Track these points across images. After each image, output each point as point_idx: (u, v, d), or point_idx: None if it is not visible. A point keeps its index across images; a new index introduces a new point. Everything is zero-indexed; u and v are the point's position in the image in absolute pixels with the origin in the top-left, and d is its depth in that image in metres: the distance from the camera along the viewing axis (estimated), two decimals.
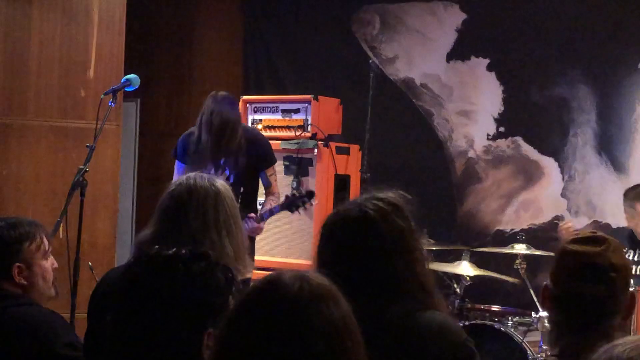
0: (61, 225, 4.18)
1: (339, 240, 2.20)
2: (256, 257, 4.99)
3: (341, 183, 5.56)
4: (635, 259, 5.06)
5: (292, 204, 4.71)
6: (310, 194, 4.74)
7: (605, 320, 2.17)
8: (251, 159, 4.72)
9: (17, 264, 2.71)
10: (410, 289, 2.15)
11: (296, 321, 1.47)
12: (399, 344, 2.08)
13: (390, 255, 2.15)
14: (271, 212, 4.72)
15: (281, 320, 1.48)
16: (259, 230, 4.65)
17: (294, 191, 4.84)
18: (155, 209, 2.62)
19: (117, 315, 1.85)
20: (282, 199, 4.76)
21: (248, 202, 4.63)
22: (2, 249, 2.72)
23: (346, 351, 1.50)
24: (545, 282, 2.29)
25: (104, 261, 5.63)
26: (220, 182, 2.64)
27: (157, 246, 1.97)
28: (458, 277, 4.91)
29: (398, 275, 2.15)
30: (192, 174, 2.67)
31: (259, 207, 4.89)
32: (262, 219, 4.66)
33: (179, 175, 4.52)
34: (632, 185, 5.11)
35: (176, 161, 4.87)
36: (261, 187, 4.91)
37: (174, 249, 1.90)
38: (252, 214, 4.60)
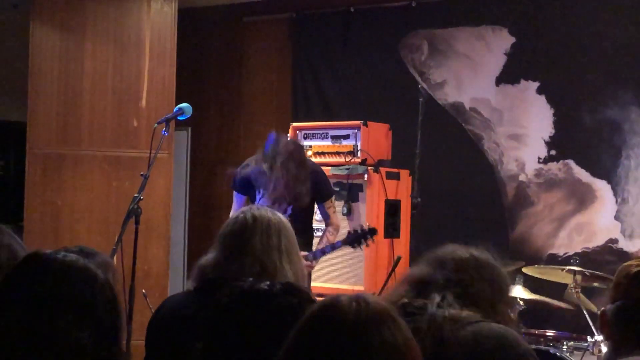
0: (116, 253, 4.23)
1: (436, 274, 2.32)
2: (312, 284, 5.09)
3: (392, 208, 5.56)
4: None
5: (355, 240, 4.83)
6: (373, 231, 4.84)
7: None
8: (311, 194, 4.82)
9: None
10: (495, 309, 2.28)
11: (356, 343, 1.47)
12: (468, 347, 2.14)
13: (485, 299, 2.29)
14: (333, 247, 4.85)
15: (341, 343, 1.48)
16: (309, 269, 4.75)
17: (358, 228, 4.93)
18: (218, 235, 2.66)
19: (210, 343, 1.87)
20: (342, 233, 4.88)
21: (302, 233, 4.70)
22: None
23: None
24: (603, 308, 2.29)
25: (158, 289, 5.69)
26: (281, 215, 2.72)
27: (251, 279, 1.98)
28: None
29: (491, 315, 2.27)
30: (253, 205, 2.75)
31: (315, 237, 5.00)
32: (315, 257, 4.81)
33: (239, 206, 4.66)
34: None
35: (235, 193, 5.00)
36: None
37: (268, 283, 1.93)
38: (304, 252, 4.66)
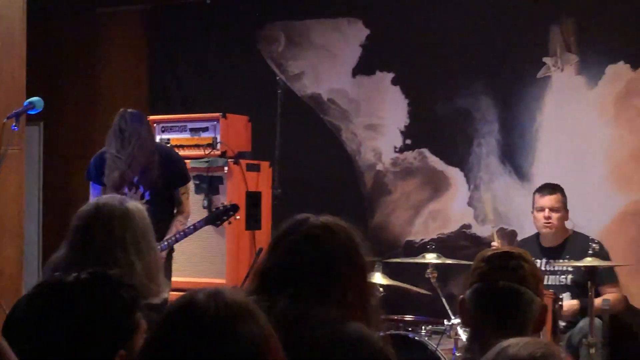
0: None
1: (286, 251, 2.22)
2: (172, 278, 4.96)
3: (253, 200, 5.57)
4: (543, 267, 5.21)
5: (217, 217, 4.73)
6: (235, 207, 4.77)
7: (520, 315, 2.23)
8: (165, 176, 4.68)
9: None
10: (348, 300, 2.18)
11: (215, 340, 1.47)
12: (321, 353, 2.09)
13: (337, 267, 2.18)
14: (193, 229, 4.69)
15: (200, 341, 1.47)
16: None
17: (220, 205, 4.84)
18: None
19: (30, 345, 1.82)
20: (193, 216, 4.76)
21: (161, 220, 4.58)
22: None
23: None
24: (461, 296, 2.35)
25: (12, 289, 5.49)
26: (132, 203, 2.63)
27: (57, 273, 1.95)
28: None
29: (340, 285, 2.18)
30: (104, 196, 2.67)
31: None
32: (161, 249, 4.45)
33: (95, 197, 4.47)
34: None
35: (91, 183, 4.80)
36: None
37: (75, 275, 1.90)
38: None
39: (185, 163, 4.96)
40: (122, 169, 4.53)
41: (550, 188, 5.25)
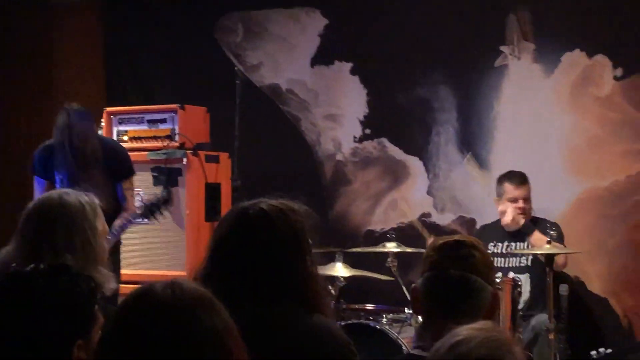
0: None
1: (234, 237, 2.20)
2: (129, 270, 4.92)
3: (212, 191, 5.54)
4: (504, 251, 5.26)
5: (149, 211, 4.66)
6: (166, 200, 4.69)
7: (471, 303, 2.24)
8: (109, 169, 4.63)
9: None
10: (301, 290, 2.18)
11: (174, 330, 1.45)
12: (285, 346, 2.10)
13: (284, 254, 2.18)
14: (128, 223, 4.64)
15: (158, 332, 1.45)
16: None
17: (152, 199, 4.77)
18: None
19: None
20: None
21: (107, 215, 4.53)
22: None
23: (229, 352, 1.48)
24: (414, 284, 2.36)
25: None
26: (77, 195, 2.65)
27: (14, 264, 1.96)
28: (332, 279, 4.96)
29: (290, 274, 2.18)
30: (53, 191, 2.68)
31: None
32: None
33: (40, 192, 4.42)
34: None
35: (35, 178, 4.74)
36: None
37: (33, 265, 1.90)
38: None
39: (129, 156, 4.89)
40: (68, 164, 4.48)
41: (521, 178, 5.29)
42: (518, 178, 5.29)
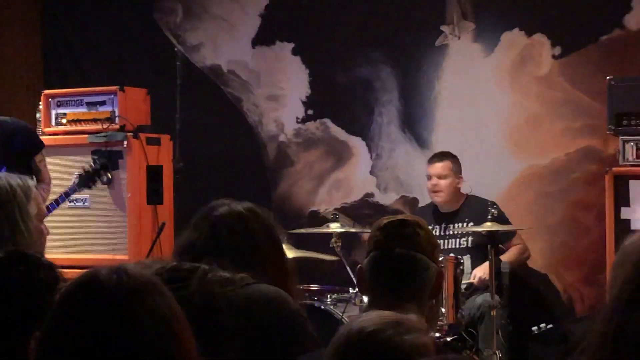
0: None
1: (213, 225, 2.37)
2: (71, 255, 4.88)
3: (154, 174, 5.48)
4: (440, 233, 5.29)
5: (88, 179, 4.61)
6: (105, 165, 4.66)
7: (416, 281, 2.26)
8: (18, 148, 4.55)
9: None
10: (269, 274, 2.33)
11: (120, 316, 1.44)
12: (242, 309, 2.19)
13: (259, 243, 2.38)
14: (65, 196, 4.59)
15: (104, 318, 1.43)
16: None
17: (86, 167, 4.73)
18: None
19: None
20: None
21: None
22: None
23: (176, 337, 1.48)
24: (359, 265, 2.37)
25: None
26: (8, 178, 2.61)
27: None
28: None
29: (261, 260, 2.35)
30: None
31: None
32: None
33: None
34: None
35: None
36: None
37: None
38: None
39: (34, 130, 4.87)
40: None
41: (438, 156, 5.35)
42: (435, 156, 5.38)
